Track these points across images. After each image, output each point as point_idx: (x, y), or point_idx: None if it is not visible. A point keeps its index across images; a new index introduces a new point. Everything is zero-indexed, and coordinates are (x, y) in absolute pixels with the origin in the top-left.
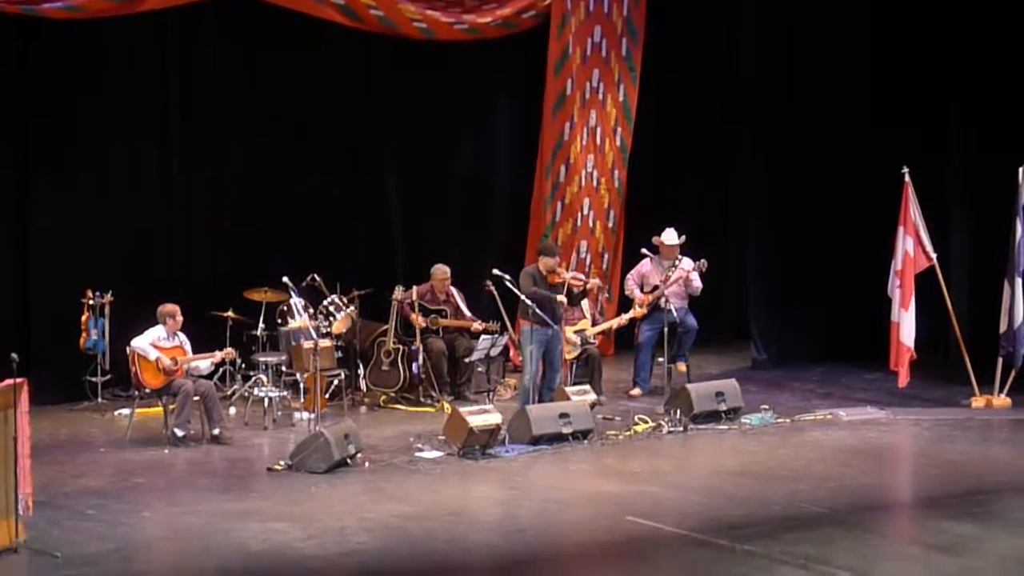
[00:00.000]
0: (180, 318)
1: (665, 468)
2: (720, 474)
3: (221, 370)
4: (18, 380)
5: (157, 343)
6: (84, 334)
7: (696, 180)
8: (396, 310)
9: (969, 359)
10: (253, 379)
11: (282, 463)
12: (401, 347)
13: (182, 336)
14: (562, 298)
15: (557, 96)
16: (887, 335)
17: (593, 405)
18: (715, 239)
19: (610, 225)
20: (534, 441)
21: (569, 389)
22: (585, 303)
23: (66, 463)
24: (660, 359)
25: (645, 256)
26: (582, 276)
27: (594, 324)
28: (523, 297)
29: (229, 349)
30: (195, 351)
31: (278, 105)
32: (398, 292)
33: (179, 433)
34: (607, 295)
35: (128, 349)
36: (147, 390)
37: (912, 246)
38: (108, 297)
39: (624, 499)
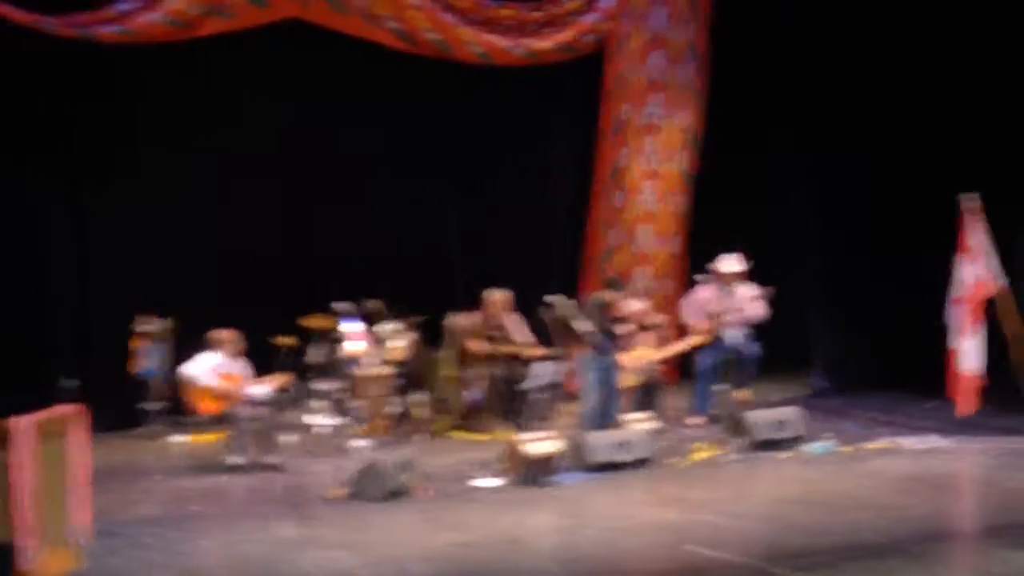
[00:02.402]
0: (239, 344)
1: (725, 496)
2: (781, 503)
3: (280, 397)
4: (75, 406)
5: (219, 369)
6: (141, 361)
7: (757, 207)
8: (455, 337)
9: None
10: (311, 406)
11: (340, 491)
12: (459, 374)
13: (244, 361)
14: (621, 328)
15: (614, 121)
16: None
17: (653, 433)
18: (777, 266)
19: (671, 251)
20: (592, 469)
21: (628, 416)
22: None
23: (122, 491)
24: (721, 386)
25: (706, 283)
26: (642, 308)
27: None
28: (575, 325)
29: (285, 376)
30: (252, 378)
31: (334, 130)
32: (457, 319)
33: (236, 460)
34: (666, 331)
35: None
36: (204, 417)
37: (973, 273)
38: (165, 324)
39: (683, 527)
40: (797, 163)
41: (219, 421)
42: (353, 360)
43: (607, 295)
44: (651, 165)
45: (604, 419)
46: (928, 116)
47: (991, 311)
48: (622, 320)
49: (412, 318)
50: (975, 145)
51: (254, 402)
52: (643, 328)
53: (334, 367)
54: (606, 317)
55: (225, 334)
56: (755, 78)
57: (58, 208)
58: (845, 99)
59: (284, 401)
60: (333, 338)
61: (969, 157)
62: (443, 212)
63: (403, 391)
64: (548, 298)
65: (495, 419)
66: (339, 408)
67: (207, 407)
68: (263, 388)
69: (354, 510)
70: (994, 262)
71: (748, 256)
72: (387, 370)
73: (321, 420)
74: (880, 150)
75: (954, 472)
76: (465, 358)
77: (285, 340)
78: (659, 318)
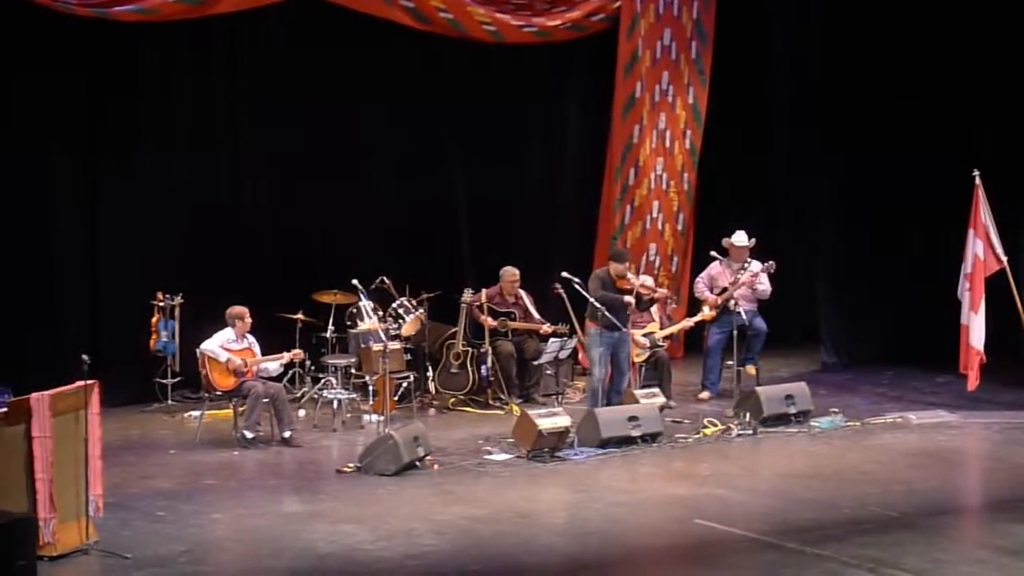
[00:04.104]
0: (249, 320)
1: (734, 471)
2: (789, 477)
3: (291, 372)
4: (89, 382)
5: (227, 345)
6: (154, 336)
7: (766, 182)
8: (465, 312)
9: None
10: (322, 381)
11: (351, 465)
12: (470, 349)
13: (251, 338)
14: (629, 299)
15: (626, 98)
16: (958, 338)
17: (662, 408)
18: (785, 241)
19: (679, 228)
20: (603, 444)
21: (638, 392)
22: (654, 307)
23: (136, 464)
24: (729, 362)
25: (714, 258)
26: (651, 283)
27: (662, 327)
28: (591, 300)
29: (297, 350)
30: (265, 353)
31: (347, 107)
32: (467, 295)
33: (248, 435)
34: (675, 303)
35: (198, 352)
36: (217, 392)
37: (982, 249)
38: (178, 299)
39: (693, 502)
40: (809, 139)
41: (233, 396)
42: (365, 335)
43: (614, 269)
44: (662, 143)
45: (613, 394)
46: (940, 90)
47: (1003, 287)
48: (630, 292)
49: (423, 294)
50: (988, 119)
51: (266, 377)
52: (651, 302)
53: (346, 342)
54: (614, 291)
55: (237, 310)
56: (763, 55)
57: (72, 182)
58: (858, 74)
59: (297, 376)
60: (346, 313)
61: (983, 130)
62: (455, 190)
63: (415, 366)
64: (563, 274)
65: (507, 394)
66: (351, 383)
67: (222, 382)
68: (275, 363)
69: (365, 484)
70: (997, 239)
71: (755, 233)
72: (398, 345)
73: (333, 395)
74: (894, 123)
75: (961, 447)
76: (477, 333)
77: (298, 316)
78: (665, 291)
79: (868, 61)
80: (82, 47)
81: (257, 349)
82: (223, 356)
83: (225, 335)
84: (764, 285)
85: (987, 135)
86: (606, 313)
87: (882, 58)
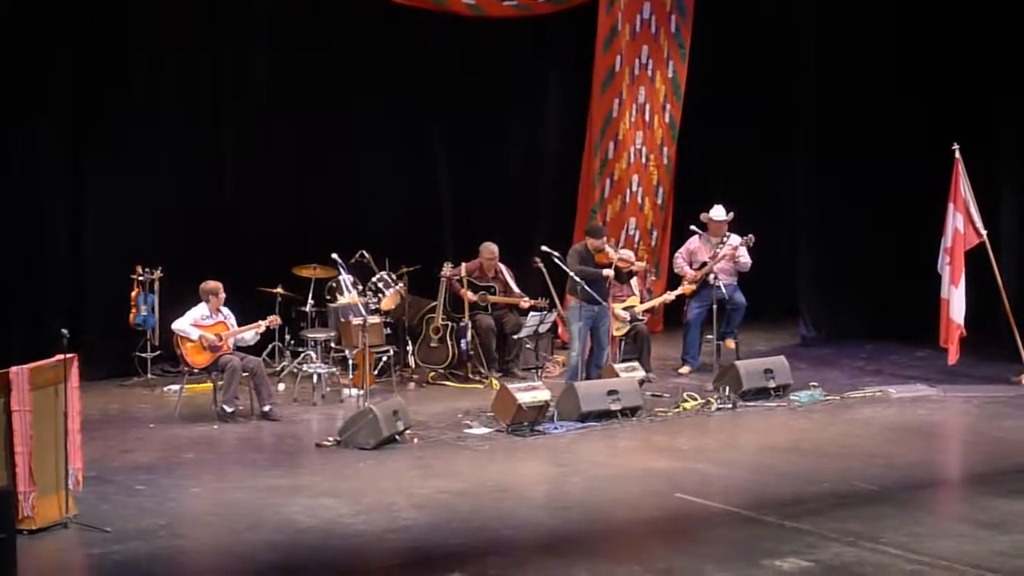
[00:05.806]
0: (223, 295)
1: (714, 445)
2: (769, 451)
3: (271, 346)
4: (68, 355)
5: (199, 321)
6: (134, 310)
7: (745, 157)
8: (445, 286)
9: (1020, 336)
10: (302, 355)
11: (331, 439)
12: (450, 323)
13: (225, 311)
14: (608, 272)
15: (606, 72)
16: (937, 312)
17: (642, 382)
18: (764, 216)
19: (659, 202)
20: (583, 418)
21: (618, 366)
22: (634, 281)
23: (116, 438)
24: (709, 336)
25: (694, 233)
26: (630, 256)
27: (642, 301)
28: (571, 274)
29: (273, 316)
30: (241, 325)
31: (329, 82)
32: (447, 268)
33: (227, 409)
34: (654, 276)
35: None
36: (194, 369)
37: (962, 223)
38: (158, 273)
39: (673, 476)
40: (790, 111)
41: (211, 371)
42: (345, 309)
43: (591, 243)
44: (642, 116)
45: (592, 368)
46: (924, 66)
47: (983, 261)
48: (608, 267)
49: (403, 268)
50: (966, 96)
51: (243, 346)
52: (630, 275)
53: (326, 316)
54: (593, 265)
55: (210, 285)
56: (748, 26)
57: (55, 157)
58: (842, 47)
59: (277, 350)
60: (325, 287)
61: (963, 107)
62: (436, 165)
63: (394, 340)
64: (543, 248)
65: (486, 368)
66: (330, 357)
67: (197, 360)
68: (251, 332)
69: (344, 458)
70: (976, 213)
71: (734, 207)
72: (377, 319)
73: (313, 369)
74: (876, 97)
75: (941, 421)
76: (457, 307)
77: (278, 290)
78: (643, 264)
79: (863, 32)
80: (72, 23)
81: (232, 321)
82: (194, 335)
83: (198, 311)
84: (744, 258)
85: (965, 110)
86: (586, 287)
87: (877, 29)
